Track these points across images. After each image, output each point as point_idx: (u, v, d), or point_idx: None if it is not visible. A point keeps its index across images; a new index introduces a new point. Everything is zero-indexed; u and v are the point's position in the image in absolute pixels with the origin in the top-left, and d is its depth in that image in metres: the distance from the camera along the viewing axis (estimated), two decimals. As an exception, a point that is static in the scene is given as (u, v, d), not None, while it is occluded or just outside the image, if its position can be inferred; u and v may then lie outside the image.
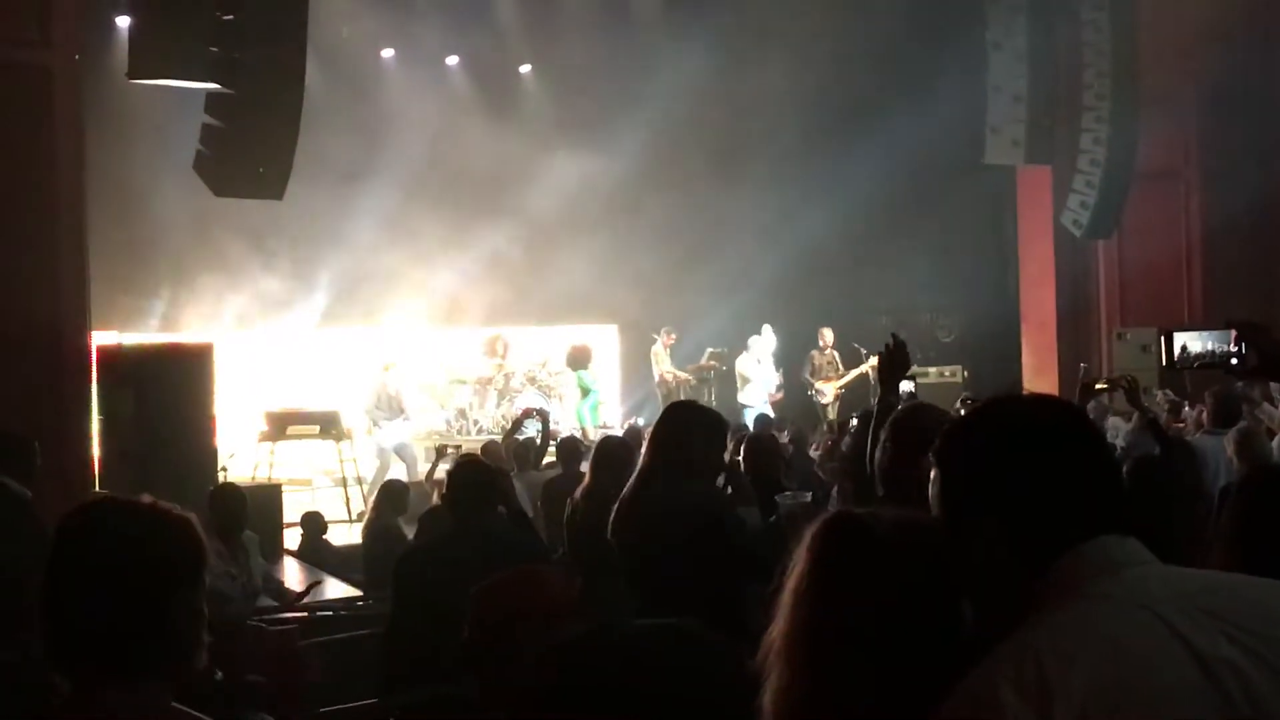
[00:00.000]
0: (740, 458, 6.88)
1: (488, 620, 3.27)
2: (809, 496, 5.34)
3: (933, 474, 2.20)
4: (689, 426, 5.11)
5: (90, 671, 2.43)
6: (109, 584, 2.43)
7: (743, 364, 19.74)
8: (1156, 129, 18.90)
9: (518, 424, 12.64)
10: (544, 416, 13.28)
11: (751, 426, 13.74)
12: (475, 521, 6.13)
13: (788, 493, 5.45)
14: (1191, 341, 17.83)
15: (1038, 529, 2.03)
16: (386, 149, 19.37)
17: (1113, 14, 18.44)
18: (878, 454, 4.33)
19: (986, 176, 20.76)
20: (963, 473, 2.14)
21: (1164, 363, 15.05)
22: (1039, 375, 20.57)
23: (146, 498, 2.57)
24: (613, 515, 5.09)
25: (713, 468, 5.20)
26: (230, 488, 9.49)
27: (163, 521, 2.52)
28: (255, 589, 8.74)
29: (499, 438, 14.47)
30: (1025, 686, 1.83)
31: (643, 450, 5.25)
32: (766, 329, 19.93)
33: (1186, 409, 13.16)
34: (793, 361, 20.56)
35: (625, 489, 5.16)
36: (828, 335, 20.27)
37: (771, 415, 17.36)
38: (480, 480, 6.32)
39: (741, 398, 19.42)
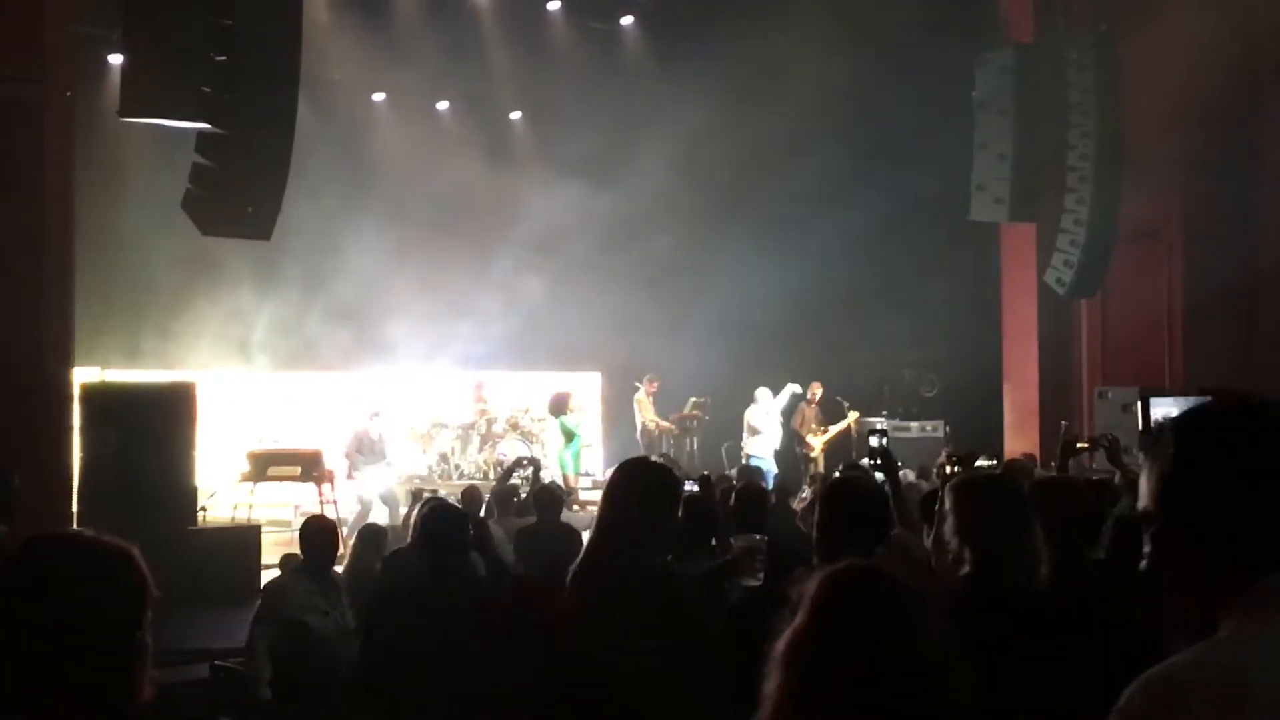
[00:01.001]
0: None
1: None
2: (760, 538, 5.30)
3: (1159, 459, 2.12)
4: (641, 489, 4.78)
5: (34, 707, 2.41)
6: (47, 620, 2.42)
7: (752, 415, 19.65)
8: (1140, 191, 19.02)
9: (509, 471, 12.56)
10: (535, 465, 13.25)
11: (770, 481, 13.77)
12: (447, 568, 6.04)
13: (740, 536, 5.42)
14: (1168, 409, 17.94)
15: (1261, 544, 2.02)
16: (375, 191, 19.44)
17: (1098, 77, 18.61)
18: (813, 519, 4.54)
19: (971, 233, 20.86)
20: (1206, 471, 2.07)
21: (1140, 428, 15.18)
22: (1020, 431, 20.58)
23: (87, 531, 2.57)
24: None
25: (667, 533, 4.93)
26: (320, 520, 9.02)
27: (101, 555, 2.51)
28: (349, 626, 8.21)
29: (482, 482, 14.45)
30: (1221, 698, 1.85)
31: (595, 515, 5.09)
32: (770, 391, 19.80)
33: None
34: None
35: (576, 563, 4.92)
36: (817, 389, 20.30)
37: (775, 470, 17.43)
38: (452, 525, 6.23)
39: (748, 447, 19.40)
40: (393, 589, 6.45)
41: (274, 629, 7.59)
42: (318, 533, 8.21)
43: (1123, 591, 4.11)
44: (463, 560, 6.17)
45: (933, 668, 2.23)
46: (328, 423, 18.98)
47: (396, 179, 19.69)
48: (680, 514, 4.56)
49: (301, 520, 16.73)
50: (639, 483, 4.65)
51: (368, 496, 16.71)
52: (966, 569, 4.20)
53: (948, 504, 4.33)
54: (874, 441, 6.47)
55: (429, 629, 5.76)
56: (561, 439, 18.39)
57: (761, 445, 19.40)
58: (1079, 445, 8.01)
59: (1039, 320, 21.04)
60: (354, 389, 19.99)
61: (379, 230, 19.15)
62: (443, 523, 6.23)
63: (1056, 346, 21.14)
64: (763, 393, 19.77)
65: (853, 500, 4.59)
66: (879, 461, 6.39)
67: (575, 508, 15.21)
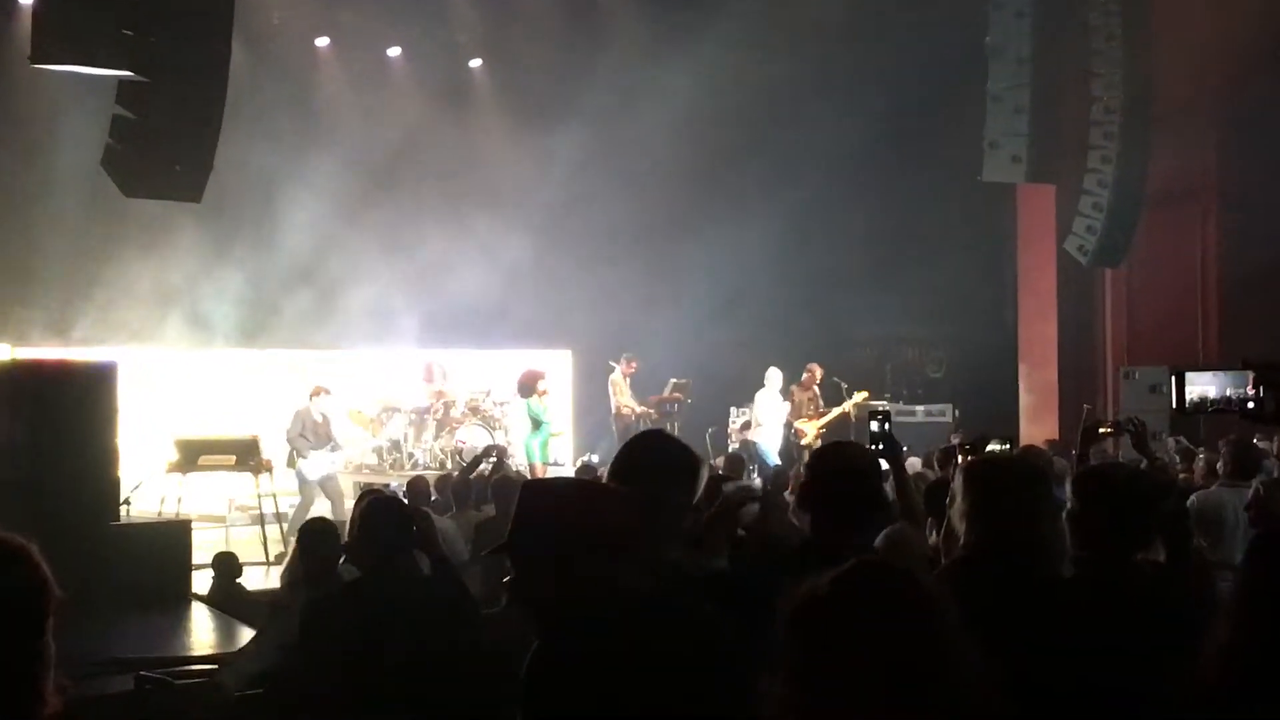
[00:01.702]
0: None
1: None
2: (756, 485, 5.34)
3: None
4: (660, 470, 4.25)
5: None
6: None
7: (763, 402, 19.50)
8: (1171, 147, 19.05)
9: (475, 463, 12.56)
10: (501, 454, 13.26)
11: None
12: (386, 568, 6.01)
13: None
14: (1205, 384, 18.01)
15: None
16: (319, 150, 19.33)
17: (1125, 21, 18.55)
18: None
19: (984, 196, 20.89)
20: None
21: (1174, 406, 15.14)
22: (1038, 416, 20.68)
23: None
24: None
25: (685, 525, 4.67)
26: (320, 524, 8.61)
27: None
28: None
29: (437, 472, 14.45)
30: None
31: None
32: (780, 372, 19.71)
33: (1200, 457, 13.24)
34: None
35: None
36: (816, 371, 20.26)
37: (779, 462, 17.48)
38: (391, 521, 6.20)
39: (757, 438, 19.20)
40: (332, 596, 6.43)
41: (281, 657, 7.53)
42: (319, 537, 8.02)
43: (1162, 596, 4.14)
44: (406, 562, 6.13)
45: (960, 671, 2.25)
46: (267, 405, 18.92)
47: (342, 135, 19.60)
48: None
49: (237, 514, 16.84)
50: (650, 462, 4.24)
51: (310, 485, 16.69)
52: (962, 552, 4.23)
53: (957, 488, 4.35)
54: (875, 426, 6.49)
55: (366, 634, 5.76)
56: (528, 425, 18.40)
57: (769, 435, 19.25)
58: (1102, 430, 8.03)
59: (1059, 292, 21.14)
60: (296, 367, 19.93)
61: (323, 193, 19.06)
62: (380, 519, 6.20)
63: (1078, 321, 21.24)
64: (775, 375, 19.62)
65: (840, 468, 4.52)
66: (880, 448, 6.41)
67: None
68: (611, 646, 3.10)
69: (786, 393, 19.79)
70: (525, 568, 3.21)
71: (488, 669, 5.74)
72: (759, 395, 19.52)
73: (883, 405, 19.58)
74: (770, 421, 19.35)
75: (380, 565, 6.03)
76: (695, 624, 3.21)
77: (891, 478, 6.42)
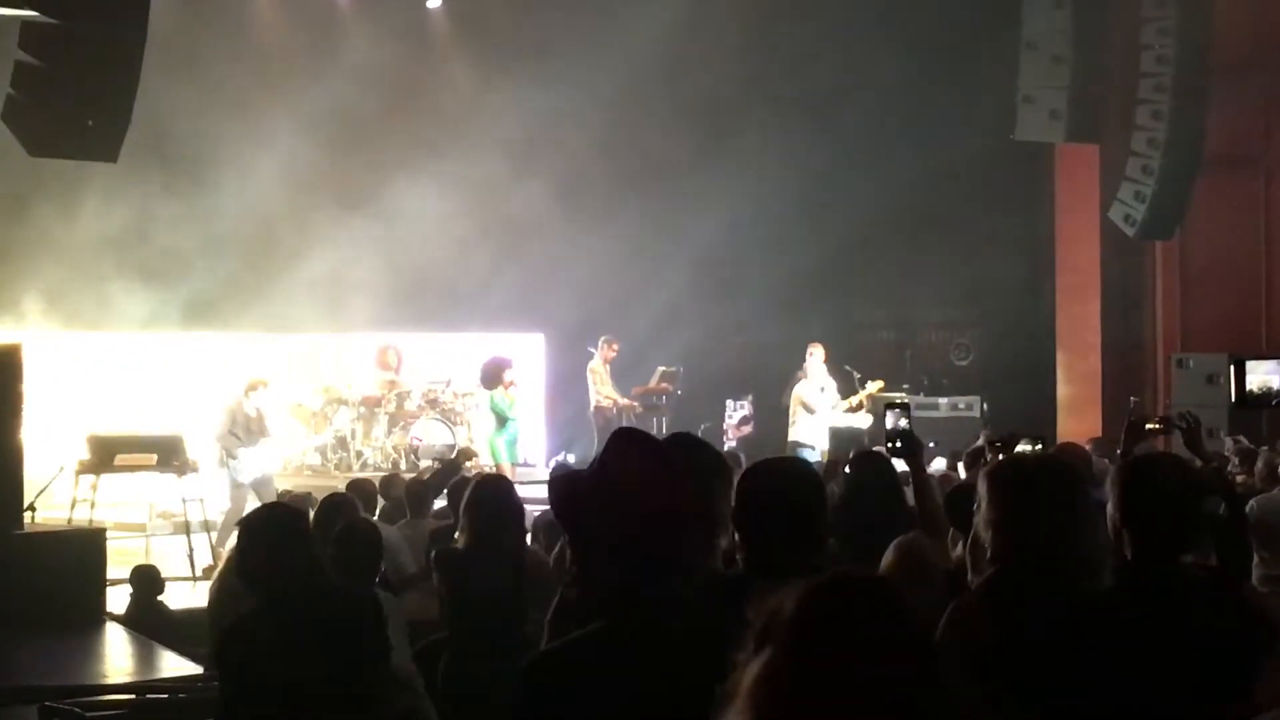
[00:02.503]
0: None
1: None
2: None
3: None
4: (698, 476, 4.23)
5: None
6: None
7: (805, 391, 19.20)
8: (1231, 103, 19.09)
9: (454, 467, 12.47)
10: (466, 457, 13.27)
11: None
12: (283, 590, 6.00)
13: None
14: (1268, 373, 18.09)
15: None
16: (253, 103, 19.29)
17: (1179, -43, 18.62)
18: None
19: (1017, 158, 20.91)
20: None
21: (1233, 399, 15.24)
22: (1078, 409, 20.72)
23: None
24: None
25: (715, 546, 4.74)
26: (363, 526, 8.37)
27: None
28: (409, 674, 7.75)
29: (385, 474, 14.44)
30: None
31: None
32: (822, 349, 19.47)
33: (1261, 457, 13.26)
34: (769, 385, 20.59)
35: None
36: (818, 354, 20.22)
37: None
38: (289, 533, 6.18)
39: (796, 432, 18.94)
40: (243, 619, 6.42)
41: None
42: (360, 538, 8.01)
43: (1215, 610, 4.15)
44: (311, 582, 6.11)
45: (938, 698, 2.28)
46: (193, 397, 18.90)
47: (282, 85, 19.55)
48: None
49: (159, 522, 16.80)
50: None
51: (242, 489, 16.68)
52: (993, 568, 4.24)
53: (981, 494, 4.36)
54: (892, 421, 6.48)
55: (278, 666, 5.81)
56: (492, 420, 18.36)
57: (812, 430, 19.07)
58: (1149, 426, 8.04)
59: (1102, 268, 21.16)
60: (227, 355, 19.90)
61: (259, 153, 19.02)
62: (280, 529, 6.20)
63: (1124, 301, 21.28)
64: (812, 358, 19.19)
65: (766, 489, 4.50)
66: (898, 445, 6.40)
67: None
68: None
69: (774, 378, 19.72)
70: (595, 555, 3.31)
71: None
72: (801, 385, 19.35)
73: (901, 397, 19.58)
74: (823, 408, 19.00)
75: (275, 585, 6.02)
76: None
77: (911, 478, 6.42)
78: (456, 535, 7.90)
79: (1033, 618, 3.98)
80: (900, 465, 6.58)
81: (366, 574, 7.55)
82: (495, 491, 7.95)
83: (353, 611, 6.14)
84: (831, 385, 19.27)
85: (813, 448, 18.22)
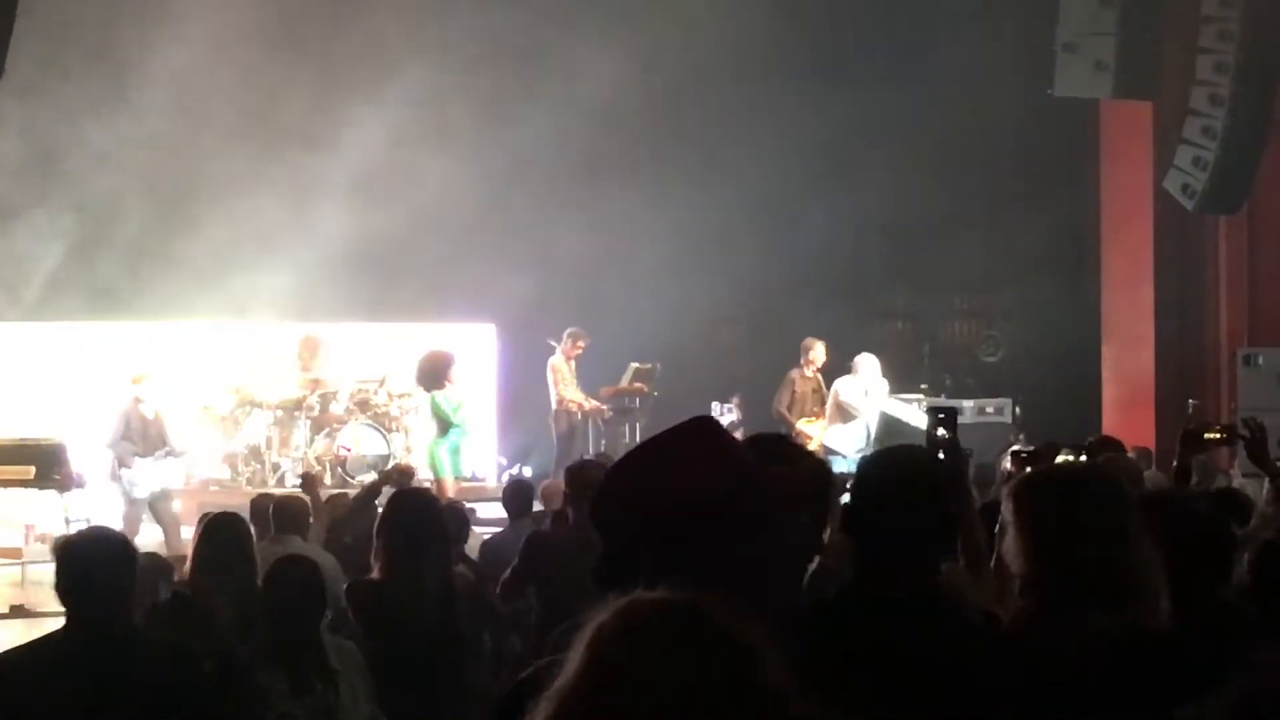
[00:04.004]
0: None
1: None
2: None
3: None
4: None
5: None
6: None
7: (847, 391, 19.45)
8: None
9: (371, 493, 12.42)
10: (406, 477, 13.27)
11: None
12: (96, 627, 5.96)
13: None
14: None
15: None
16: (145, 40, 19.26)
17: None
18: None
19: (1056, 118, 20.95)
20: None
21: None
22: (1127, 413, 20.74)
23: None
24: None
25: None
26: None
27: None
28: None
29: (298, 490, 14.42)
30: None
31: None
32: (874, 359, 19.57)
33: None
34: (761, 388, 20.63)
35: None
36: (818, 351, 20.25)
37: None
38: (104, 562, 6.14)
39: (830, 440, 19.00)
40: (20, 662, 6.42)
41: None
42: (290, 583, 7.80)
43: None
44: (122, 618, 6.11)
45: None
46: (79, 399, 18.87)
47: (177, 23, 19.50)
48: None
49: (37, 547, 16.75)
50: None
51: (136, 505, 16.66)
52: (1025, 604, 4.27)
53: (1006, 516, 4.38)
54: (934, 429, 6.41)
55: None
56: (434, 426, 18.33)
57: (848, 438, 19.13)
58: (1208, 435, 8.07)
59: (1156, 248, 21.20)
60: (119, 347, 19.86)
61: (149, 104, 19.04)
62: (90, 560, 6.18)
63: (1181, 288, 21.32)
64: (862, 358, 19.61)
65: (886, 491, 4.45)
66: (940, 457, 6.34)
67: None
68: None
69: (766, 378, 19.80)
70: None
71: None
72: (842, 383, 19.37)
73: (920, 399, 19.67)
74: (865, 413, 19.14)
75: (85, 622, 6.00)
76: None
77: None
78: (372, 562, 7.89)
79: (1072, 663, 3.99)
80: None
81: (306, 621, 7.13)
82: (414, 509, 7.95)
83: (161, 669, 6.01)
84: (878, 390, 19.40)
85: (844, 456, 18.28)
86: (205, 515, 9.18)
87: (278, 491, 15.47)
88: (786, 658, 2.58)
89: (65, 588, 6.01)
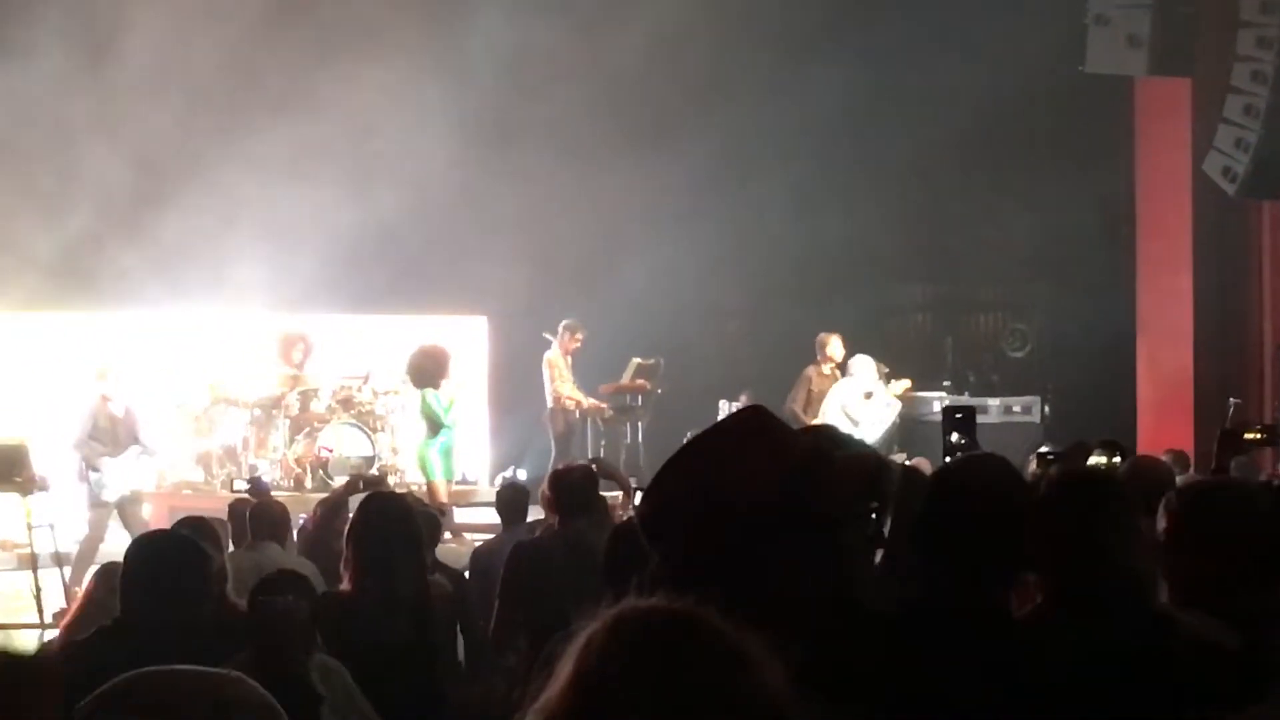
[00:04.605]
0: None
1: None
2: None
3: None
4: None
5: None
6: None
7: (844, 395, 19.45)
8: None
9: (337, 502, 12.40)
10: (376, 482, 13.24)
11: None
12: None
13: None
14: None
15: None
16: (116, 31, 19.27)
17: None
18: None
19: (1088, 96, 20.94)
20: None
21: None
22: (1163, 413, 20.77)
23: None
24: None
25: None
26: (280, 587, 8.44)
27: None
28: None
29: (287, 493, 14.44)
30: None
31: None
32: (872, 361, 19.57)
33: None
34: (773, 385, 20.61)
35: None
36: (834, 346, 20.23)
37: None
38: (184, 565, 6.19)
39: None
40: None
41: None
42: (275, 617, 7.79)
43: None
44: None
45: None
46: (42, 393, 18.90)
47: (154, 4, 19.53)
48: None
49: (2, 554, 16.78)
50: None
51: (103, 510, 16.66)
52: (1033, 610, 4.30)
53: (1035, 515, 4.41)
54: (952, 431, 6.45)
55: None
56: (424, 426, 18.31)
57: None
58: (1248, 436, 8.09)
59: (1194, 236, 21.20)
60: (82, 340, 19.87)
61: (117, 87, 19.06)
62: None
63: (1221, 279, 21.32)
64: (857, 359, 19.66)
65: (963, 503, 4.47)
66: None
67: (448, 537, 15.22)
68: None
69: (779, 376, 19.79)
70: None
71: None
72: (840, 389, 19.40)
73: (942, 397, 19.68)
74: (866, 420, 19.12)
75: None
76: None
77: None
78: (341, 571, 7.85)
79: (1068, 675, 4.03)
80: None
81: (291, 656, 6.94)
82: (386, 512, 7.91)
83: None
84: (881, 390, 19.40)
85: None
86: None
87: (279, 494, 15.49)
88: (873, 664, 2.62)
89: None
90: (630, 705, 2.40)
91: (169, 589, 6.19)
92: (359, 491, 12.00)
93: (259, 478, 14.42)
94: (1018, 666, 3.95)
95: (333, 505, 11.83)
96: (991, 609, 4.14)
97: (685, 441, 3.51)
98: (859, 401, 19.26)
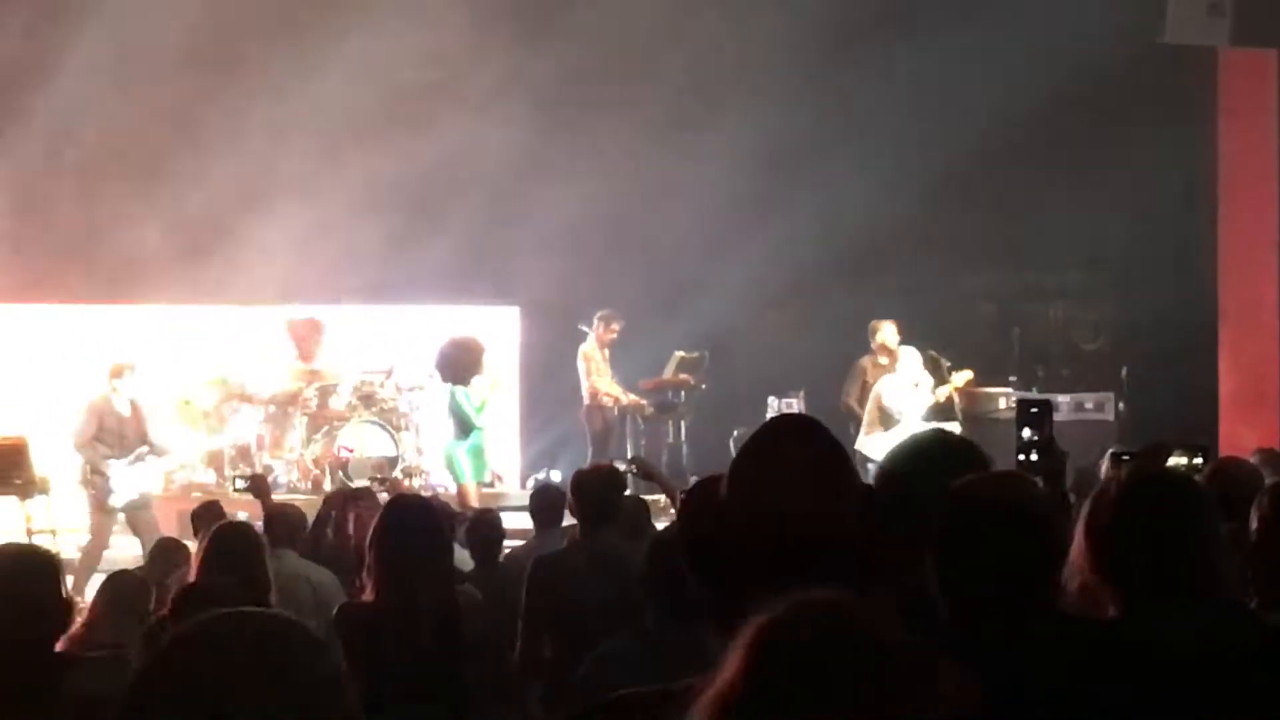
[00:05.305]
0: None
1: None
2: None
3: None
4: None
5: None
6: None
7: (889, 389, 19.37)
8: None
9: (337, 506, 12.39)
10: (393, 485, 13.27)
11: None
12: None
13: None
14: None
15: None
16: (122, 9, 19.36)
17: None
18: None
19: (1167, 69, 20.89)
20: None
21: None
22: (1250, 410, 20.70)
23: None
24: None
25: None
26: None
27: None
28: None
29: (304, 496, 14.42)
30: None
31: None
32: (912, 348, 19.43)
33: None
34: (827, 379, 20.59)
35: None
36: (887, 334, 20.18)
37: None
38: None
39: (866, 445, 18.70)
40: None
41: None
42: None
43: None
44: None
45: None
46: (46, 389, 18.97)
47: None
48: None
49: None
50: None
51: (108, 515, 16.68)
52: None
53: (1080, 526, 4.42)
54: (1027, 426, 6.41)
55: None
56: (452, 425, 18.25)
57: (889, 445, 18.71)
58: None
59: (1281, 218, 21.16)
60: (91, 334, 19.92)
61: (116, 65, 19.11)
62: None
63: (1311, 264, 21.27)
64: (907, 355, 19.48)
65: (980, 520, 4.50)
66: (1034, 460, 6.31)
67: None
68: None
69: (827, 367, 19.74)
70: None
71: None
72: (885, 381, 19.32)
73: (1008, 392, 19.64)
74: (909, 412, 19.02)
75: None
76: None
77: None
78: (364, 582, 7.84)
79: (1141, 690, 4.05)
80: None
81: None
82: (412, 518, 7.89)
83: None
84: (927, 384, 19.32)
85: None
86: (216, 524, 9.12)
87: (285, 498, 15.50)
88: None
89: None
90: (814, 696, 2.45)
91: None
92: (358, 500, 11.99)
93: (260, 475, 14.36)
94: (1103, 678, 3.97)
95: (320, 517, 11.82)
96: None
97: (736, 465, 3.50)
98: (903, 391, 19.14)
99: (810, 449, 3.42)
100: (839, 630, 2.49)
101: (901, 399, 19.11)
